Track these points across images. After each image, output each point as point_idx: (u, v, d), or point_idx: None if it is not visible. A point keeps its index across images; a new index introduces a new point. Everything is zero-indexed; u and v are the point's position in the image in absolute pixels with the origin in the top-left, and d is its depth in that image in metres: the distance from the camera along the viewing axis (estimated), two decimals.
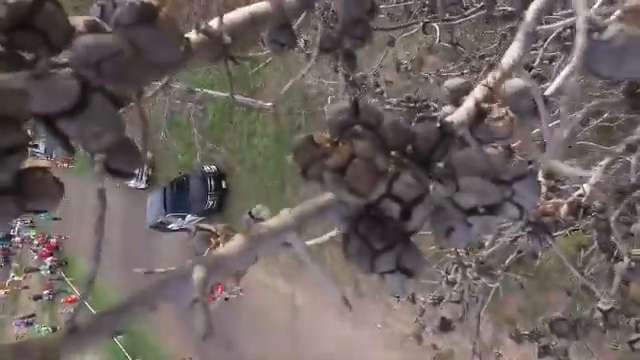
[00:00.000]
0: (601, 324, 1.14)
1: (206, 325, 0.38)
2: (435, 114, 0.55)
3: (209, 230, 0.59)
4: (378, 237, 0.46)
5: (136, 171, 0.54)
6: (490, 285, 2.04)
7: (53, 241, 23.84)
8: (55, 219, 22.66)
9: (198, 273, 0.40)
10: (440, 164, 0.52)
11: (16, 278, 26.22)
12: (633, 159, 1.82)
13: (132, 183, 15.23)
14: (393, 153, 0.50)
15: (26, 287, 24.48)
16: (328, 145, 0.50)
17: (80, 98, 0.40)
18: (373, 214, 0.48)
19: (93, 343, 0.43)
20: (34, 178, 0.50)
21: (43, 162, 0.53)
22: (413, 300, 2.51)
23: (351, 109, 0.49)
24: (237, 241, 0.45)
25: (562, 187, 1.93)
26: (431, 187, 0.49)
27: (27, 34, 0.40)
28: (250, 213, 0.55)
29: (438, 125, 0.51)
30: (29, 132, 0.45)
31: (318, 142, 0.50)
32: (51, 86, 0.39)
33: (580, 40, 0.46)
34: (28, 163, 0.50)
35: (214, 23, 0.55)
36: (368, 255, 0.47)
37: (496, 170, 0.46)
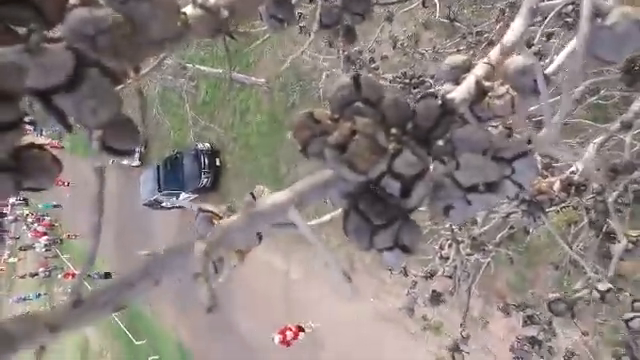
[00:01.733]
0: (595, 302, 1.18)
1: (210, 298, 0.39)
2: (436, 91, 0.55)
3: (212, 211, 0.59)
4: (378, 214, 0.47)
5: (134, 149, 0.54)
6: (482, 260, 2.08)
7: (48, 219, 23.75)
8: (55, 206, 22.51)
9: (200, 247, 0.40)
10: (440, 142, 0.52)
11: (11, 260, 26.17)
12: (627, 137, 1.84)
13: (125, 160, 15.12)
14: (394, 130, 0.50)
15: (22, 277, 24.47)
16: (329, 122, 0.50)
17: (75, 72, 0.39)
18: (373, 191, 0.48)
19: (97, 317, 0.43)
20: (31, 155, 0.49)
21: (40, 139, 0.52)
22: (405, 273, 2.56)
23: (352, 85, 0.48)
24: (238, 217, 0.45)
25: (556, 164, 1.94)
26: (431, 165, 0.49)
27: (19, 7, 0.39)
28: (252, 194, 0.55)
29: (439, 102, 0.50)
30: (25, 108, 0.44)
31: (318, 119, 0.49)
32: (45, 60, 0.38)
33: (584, 26, 0.46)
34: (25, 140, 0.50)
35: None
36: (367, 231, 0.47)
37: (497, 148, 0.46)
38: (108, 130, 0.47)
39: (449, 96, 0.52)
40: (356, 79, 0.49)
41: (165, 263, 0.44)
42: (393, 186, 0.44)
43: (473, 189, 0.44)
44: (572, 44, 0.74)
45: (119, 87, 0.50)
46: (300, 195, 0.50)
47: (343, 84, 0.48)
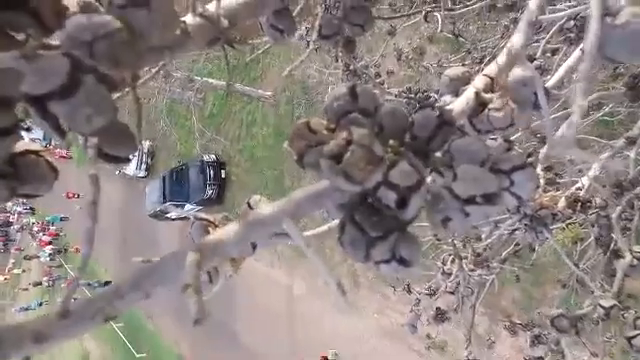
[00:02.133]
0: (600, 319, 1.15)
1: (199, 310, 0.38)
2: (434, 103, 0.54)
3: (207, 220, 0.59)
4: (374, 225, 0.46)
5: (131, 156, 0.53)
6: (486, 277, 2.05)
7: (53, 228, 23.86)
8: (62, 219, 22.62)
9: (191, 258, 0.39)
10: (438, 153, 0.51)
11: (16, 271, 26.24)
12: (632, 153, 1.82)
13: (132, 172, 15.26)
14: (391, 142, 0.49)
15: (26, 289, 24.52)
16: (325, 132, 0.49)
17: (71, 78, 0.39)
18: (369, 202, 0.47)
19: (85, 328, 0.43)
20: (27, 161, 0.49)
21: (36, 145, 0.52)
22: (409, 291, 2.53)
23: (349, 95, 0.48)
24: (232, 226, 0.45)
25: (560, 180, 1.93)
26: (429, 177, 0.48)
27: (17, 13, 0.39)
28: (248, 203, 0.55)
29: (437, 113, 0.50)
30: (21, 114, 0.45)
31: (315, 129, 0.49)
32: (41, 66, 0.38)
33: (594, 25, 0.45)
34: (21, 146, 0.50)
35: (211, 6, 0.54)
36: (363, 244, 0.46)
37: (495, 159, 0.46)
38: (104, 137, 0.47)
39: (447, 107, 0.52)
40: (353, 89, 0.49)
41: (156, 274, 0.44)
42: (389, 197, 0.43)
43: (471, 201, 0.43)
44: (576, 53, 0.74)
45: (116, 94, 0.50)
46: (296, 205, 0.49)
47: (339, 94, 0.48)
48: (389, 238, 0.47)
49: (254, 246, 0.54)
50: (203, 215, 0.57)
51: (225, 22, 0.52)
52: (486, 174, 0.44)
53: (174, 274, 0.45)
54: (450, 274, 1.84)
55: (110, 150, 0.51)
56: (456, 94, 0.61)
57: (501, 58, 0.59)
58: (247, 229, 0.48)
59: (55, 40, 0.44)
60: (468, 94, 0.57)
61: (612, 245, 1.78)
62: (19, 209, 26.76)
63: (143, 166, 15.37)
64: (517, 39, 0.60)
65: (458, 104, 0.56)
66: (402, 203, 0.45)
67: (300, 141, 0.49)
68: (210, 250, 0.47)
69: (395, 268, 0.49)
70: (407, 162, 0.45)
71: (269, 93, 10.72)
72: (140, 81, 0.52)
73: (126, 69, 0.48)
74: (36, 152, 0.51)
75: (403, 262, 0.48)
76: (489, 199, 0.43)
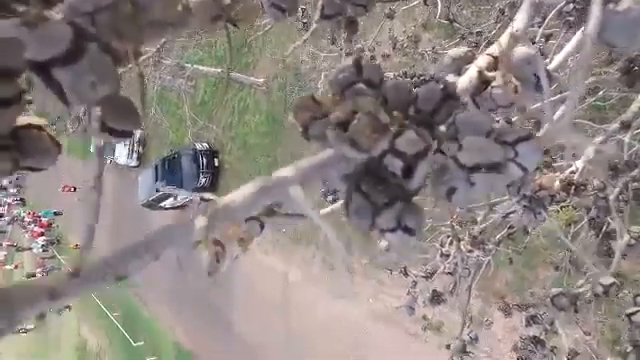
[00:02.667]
0: (595, 296, 1.18)
1: (212, 263, 0.38)
2: (438, 77, 0.55)
3: (213, 201, 0.58)
4: (380, 192, 0.46)
5: (134, 130, 0.53)
6: (482, 259, 2.08)
7: (45, 219, 23.65)
8: (56, 214, 22.38)
9: (200, 220, 0.40)
10: (443, 127, 0.52)
11: (7, 267, 26.04)
12: (626, 137, 1.84)
13: (123, 161, 15.12)
14: (395, 114, 0.50)
15: None
16: (330, 103, 0.49)
17: (74, 45, 0.39)
18: (375, 172, 0.48)
19: (96, 287, 0.43)
20: (31, 135, 0.49)
21: (39, 120, 0.52)
22: (406, 273, 2.56)
23: (354, 67, 0.48)
24: (241, 191, 0.45)
25: (555, 164, 1.94)
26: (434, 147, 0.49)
27: None
28: None
29: (441, 86, 0.50)
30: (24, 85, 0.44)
31: (320, 100, 0.49)
32: (44, 32, 0.38)
33: (596, 11, 0.46)
34: (24, 120, 0.49)
35: None
36: (369, 212, 0.47)
37: (499, 131, 0.46)
38: (107, 109, 0.47)
39: (451, 80, 0.52)
40: (358, 61, 0.49)
41: (166, 237, 0.44)
42: (395, 164, 0.43)
43: (476, 169, 0.44)
44: (577, 37, 0.74)
45: (119, 69, 0.49)
46: (303, 174, 0.49)
47: (344, 67, 0.48)
48: (395, 206, 0.48)
49: (262, 226, 0.55)
50: (209, 195, 0.57)
51: None
52: (491, 144, 0.45)
53: (184, 236, 0.46)
54: (448, 255, 1.87)
55: (114, 124, 0.50)
56: (458, 73, 0.61)
57: (504, 38, 0.59)
58: (256, 194, 0.48)
59: (56, 12, 0.43)
60: (471, 72, 0.57)
61: (605, 227, 1.81)
62: (9, 200, 26.46)
63: (134, 155, 15.23)
64: (520, 19, 0.60)
65: (461, 82, 0.56)
66: (408, 172, 0.46)
67: (305, 112, 0.49)
68: (219, 213, 0.47)
69: (400, 237, 0.50)
70: (413, 131, 0.45)
71: (261, 80, 10.63)
72: (142, 58, 0.51)
73: (128, 42, 0.48)
74: (39, 126, 0.50)
75: (408, 231, 0.49)
76: (494, 168, 0.44)
